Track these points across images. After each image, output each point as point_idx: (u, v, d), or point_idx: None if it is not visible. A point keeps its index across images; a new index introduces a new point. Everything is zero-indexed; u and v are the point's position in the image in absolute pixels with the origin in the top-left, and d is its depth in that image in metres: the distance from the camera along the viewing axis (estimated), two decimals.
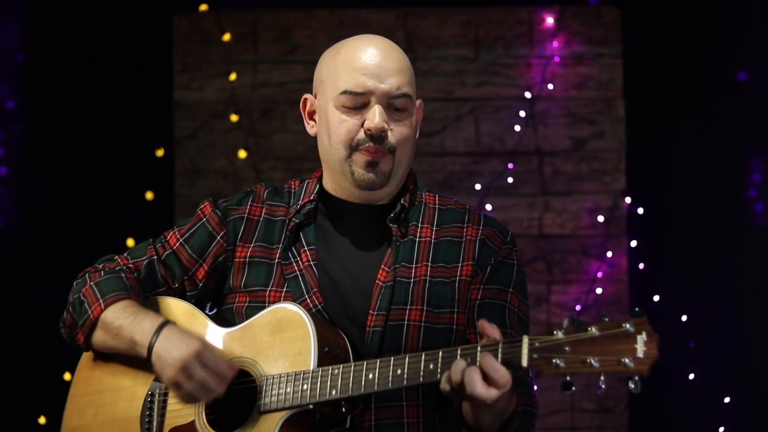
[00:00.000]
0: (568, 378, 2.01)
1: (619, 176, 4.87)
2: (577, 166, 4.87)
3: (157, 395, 2.47)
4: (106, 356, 2.53)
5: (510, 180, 4.86)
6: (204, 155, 4.89)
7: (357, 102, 2.42)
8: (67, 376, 4.01)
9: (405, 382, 2.20)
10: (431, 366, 2.17)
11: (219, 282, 2.55)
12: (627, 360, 1.98)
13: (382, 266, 2.44)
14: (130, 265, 2.56)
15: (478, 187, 4.85)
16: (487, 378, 2.09)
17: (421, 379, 2.18)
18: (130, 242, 4.43)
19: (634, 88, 4.86)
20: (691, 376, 4.68)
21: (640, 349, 1.98)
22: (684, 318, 4.70)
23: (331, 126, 2.45)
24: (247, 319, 2.45)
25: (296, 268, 2.47)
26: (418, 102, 2.53)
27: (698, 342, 4.69)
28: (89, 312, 2.47)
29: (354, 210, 2.50)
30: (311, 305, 2.42)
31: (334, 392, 2.27)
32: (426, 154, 4.83)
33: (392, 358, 2.23)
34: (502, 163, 4.87)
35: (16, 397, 4.62)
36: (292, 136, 4.84)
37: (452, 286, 2.45)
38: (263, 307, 2.43)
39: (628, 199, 4.84)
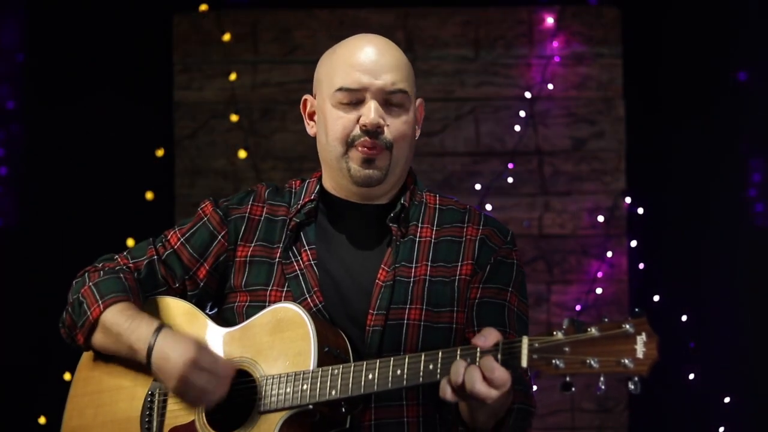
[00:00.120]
0: (567, 378, 2.01)
1: (619, 176, 4.87)
2: (577, 166, 4.87)
3: (156, 395, 2.47)
4: (106, 356, 2.53)
5: (510, 180, 4.86)
6: (204, 155, 4.89)
7: (352, 98, 2.43)
8: (67, 376, 4.01)
9: (405, 382, 2.20)
10: (431, 366, 2.17)
11: (220, 281, 2.55)
12: (627, 361, 1.97)
13: (382, 266, 2.44)
14: (130, 265, 2.56)
15: (478, 187, 4.85)
16: (486, 378, 2.09)
17: (421, 379, 2.18)
18: (130, 242, 4.43)
19: (634, 88, 4.86)
20: (691, 376, 4.68)
21: (640, 349, 1.98)
22: (684, 318, 4.70)
23: (328, 123, 2.46)
24: (247, 318, 2.45)
25: (297, 267, 2.47)
26: (418, 101, 2.53)
27: (698, 342, 4.69)
28: (88, 313, 2.48)
29: (354, 209, 2.51)
30: (312, 304, 2.42)
31: (333, 392, 2.27)
32: (426, 154, 4.83)
33: (392, 359, 2.23)
34: (502, 163, 4.87)
35: (16, 397, 4.62)
36: (292, 136, 4.84)
37: (452, 286, 2.45)
38: (264, 307, 2.43)
39: (628, 199, 4.84)
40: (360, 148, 2.42)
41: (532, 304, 4.66)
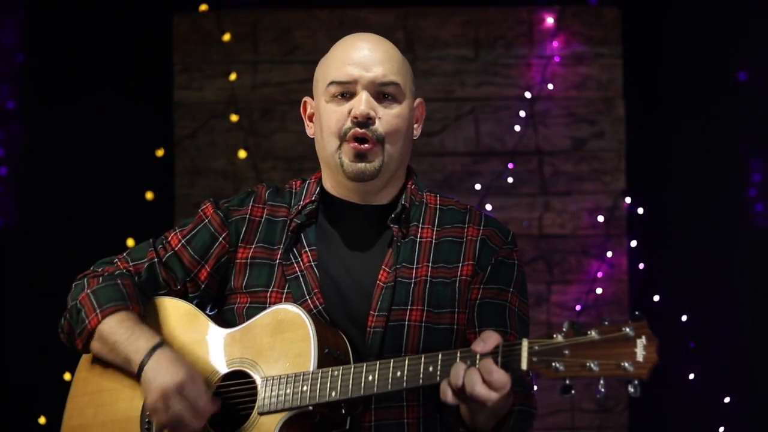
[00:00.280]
0: (567, 381, 2.00)
1: (619, 176, 4.87)
2: (577, 166, 4.87)
3: None
4: None
5: (510, 180, 4.86)
6: (204, 155, 4.89)
7: (344, 91, 2.44)
8: (67, 376, 4.01)
9: (404, 384, 2.20)
10: (431, 368, 2.17)
11: (221, 283, 2.55)
12: (626, 364, 1.97)
13: (383, 267, 2.44)
14: (130, 269, 2.56)
15: (478, 187, 4.85)
16: (486, 381, 2.09)
17: (421, 381, 2.18)
18: (130, 242, 4.43)
19: (634, 88, 4.86)
20: (691, 376, 4.68)
21: (640, 353, 1.97)
22: (684, 318, 4.70)
23: (322, 119, 2.47)
24: (247, 319, 2.45)
25: (297, 268, 2.47)
26: (417, 100, 2.54)
27: (698, 342, 4.69)
28: (86, 322, 2.48)
29: (355, 210, 2.51)
30: (312, 306, 2.42)
31: (333, 394, 2.27)
32: (426, 154, 4.83)
33: (392, 360, 2.23)
34: (502, 163, 4.87)
35: (16, 397, 4.62)
36: (292, 136, 4.84)
37: (453, 287, 2.45)
38: (264, 308, 2.44)
39: (628, 199, 4.84)
40: (351, 143, 2.43)
41: (532, 304, 4.66)
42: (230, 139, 4.89)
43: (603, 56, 4.88)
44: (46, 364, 4.31)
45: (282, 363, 2.35)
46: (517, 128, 4.87)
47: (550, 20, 4.87)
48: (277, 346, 2.36)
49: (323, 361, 2.31)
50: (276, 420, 2.32)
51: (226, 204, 2.59)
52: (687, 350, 4.68)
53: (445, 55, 4.91)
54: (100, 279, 2.53)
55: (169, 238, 2.58)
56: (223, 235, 2.55)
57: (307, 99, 2.57)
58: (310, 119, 2.56)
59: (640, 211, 4.81)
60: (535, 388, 2.44)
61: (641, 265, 4.80)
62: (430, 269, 2.45)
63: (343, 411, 2.33)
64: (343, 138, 2.44)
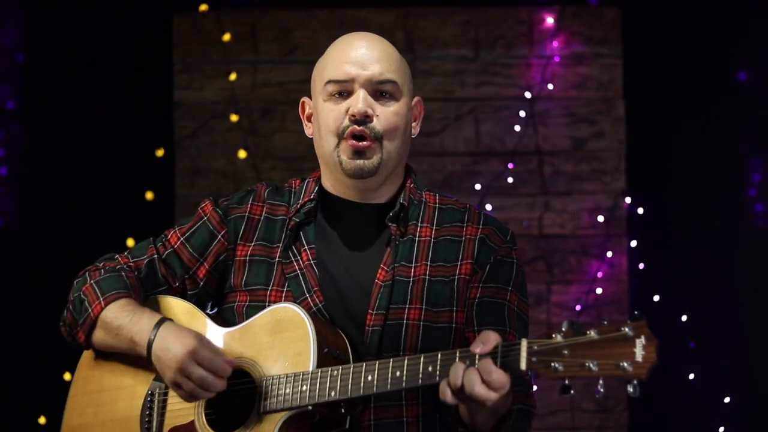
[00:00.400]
0: (566, 381, 2.00)
1: (619, 176, 4.87)
2: (577, 166, 4.87)
3: (157, 395, 2.47)
4: (107, 355, 2.54)
5: (510, 180, 4.86)
6: (204, 155, 4.89)
7: (342, 89, 2.45)
8: (67, 376, 4.01)
9: (404, 384, 2.20)
10: (430, 368, 2.17)
11: (220, 281, 2.56)
12: (626, 364, 1.97)
13: (382, 265, 2.44)
14: (131, 264, 2.57)
15: (478, 187, 4.85)
16: (485, 381, 2.09)
17: (420, 381, 2.18)
18: (130, 242, 4.43)
19: (634, 88, 4.86)
20: (691, 376, 4.68)
21: (639, 353, 1.97)
22: (684, 318, 4.70)
23: (320, 117, 2.48)
24: (247, 318, 2.45)
25: (297, 267, 2.48)
26: (415, 99, 2.54)
27: (698, 342, 4.69)
28: (89, 310, 2.48)
29: (354, 209, 2.51)
30: (312, 304, 2.43)
31: (333, 393, 2.27)
32: (426, 154, 4.83)
33: (391, 360, 2.23)
34: (502, 163, 4.87)
35: (16, 397, 4.62)
36: (292, 136, 4.84)
37: (451, 285, 2.45)
38: (264, 307, 2.44)
39: (628, 199, 4.84)
40: (350, 141, 2.43)
41: (532, 304, 4.66)
42: (230, 139, 4.89)
43: (603, 56, 4.88)
44: (46, 364, 4.32)
45: (281, 362, 2.35)
46: (517, 128, 4.87)
47: (550, 20, 4.87)
48: (277, 346, 2.37)
49: (323, 360, 2.31)
50: (276, 419, 2.32)
51: (225, 202, 2.59)
52: (687, 350, 4.68)
53: (445, 55, 4.91)
54: (102, 272, 2.54)
55: (169, 236, 2.59)
56: (222, 233, 2.55)
57: (305, 99, 2.58)
58: (309, 119, 2.57)
59: (640, 211, 4.81)
60: (535, 387, 2.44)
61: (641, 265, 4.80)
62: (428, 268, 2.45)
63: (343, 410, 2.33)
64: (341, 136, 2.44)
